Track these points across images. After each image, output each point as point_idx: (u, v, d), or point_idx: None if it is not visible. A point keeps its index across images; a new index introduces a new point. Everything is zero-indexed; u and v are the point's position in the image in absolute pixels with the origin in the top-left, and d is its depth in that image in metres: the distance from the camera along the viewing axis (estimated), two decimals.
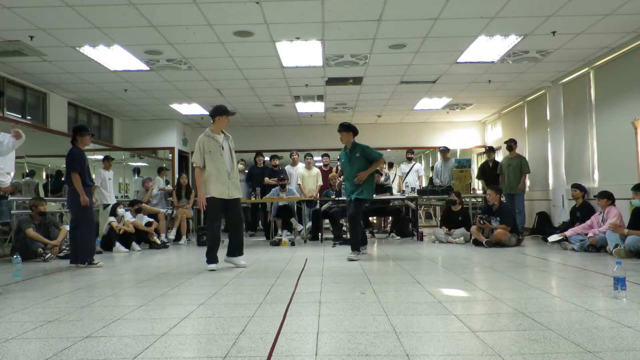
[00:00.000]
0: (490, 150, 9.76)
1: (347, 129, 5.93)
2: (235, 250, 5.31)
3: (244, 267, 5.22)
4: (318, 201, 8.84)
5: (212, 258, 5.12)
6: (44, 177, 10.64)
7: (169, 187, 10.19)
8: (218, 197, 5.09)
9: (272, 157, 9.83)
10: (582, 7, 5.42)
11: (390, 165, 12.39)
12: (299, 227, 8.53)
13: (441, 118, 11.85)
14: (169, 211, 9.17)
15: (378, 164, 5.94)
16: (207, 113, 10.56)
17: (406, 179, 10.18)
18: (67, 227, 7.22)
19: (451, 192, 8.33)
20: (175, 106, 10.09)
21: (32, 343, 2.50)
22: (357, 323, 2.74)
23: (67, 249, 6.67)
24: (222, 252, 5.28)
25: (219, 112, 5.25)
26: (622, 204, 6.27)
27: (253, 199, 8.78)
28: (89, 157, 6.03)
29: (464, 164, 10.18)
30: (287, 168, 9.74)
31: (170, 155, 11.60)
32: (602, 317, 2.78)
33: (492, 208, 7.29)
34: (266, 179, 9.36)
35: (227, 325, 2.76)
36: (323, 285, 4.00)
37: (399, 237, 8.84)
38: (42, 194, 9.33)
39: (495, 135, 11.79)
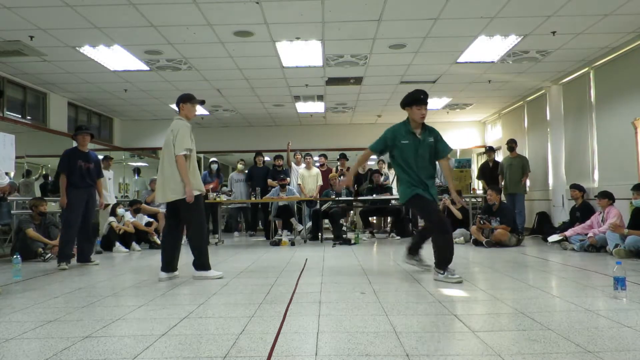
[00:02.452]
0: (490, 150, 9.75)
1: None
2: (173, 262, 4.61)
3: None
4: (318, 201, 8.84)
5: (208, 263, 4.50)
6: (40, 177, 10.63)
7: None
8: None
9: (276, 157, 9.77)
10: (582, 7, 5.42)
11: (390, 165, 12.36)
12: (299, 227, 8.52)
13: (441, 118, 11.84)
14: None
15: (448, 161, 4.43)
16: (208, 113, 10.56)
17: None
18: None
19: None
20: (175, 106, 10.05)
21: (32, 343, 2.49)
22: (357, 323, 2.74)
23: None
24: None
25: (189, 98, 4.98)
26: (622, 204, 6.27)
27: (253, 199, 8.77)
28: None
29: (464, 164, 10.20)
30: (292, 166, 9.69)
31: None
32: (602, 317, 2.78)
33: (492, 208, 7.29)
34: (269, 180, 9.32)
35: (227, 325, 2.76)
36: (323, 285, 4.00)
37: (399, 237, 8.83)
38: (37, 194, 9.31)
39: (495, 135, 11.78)
